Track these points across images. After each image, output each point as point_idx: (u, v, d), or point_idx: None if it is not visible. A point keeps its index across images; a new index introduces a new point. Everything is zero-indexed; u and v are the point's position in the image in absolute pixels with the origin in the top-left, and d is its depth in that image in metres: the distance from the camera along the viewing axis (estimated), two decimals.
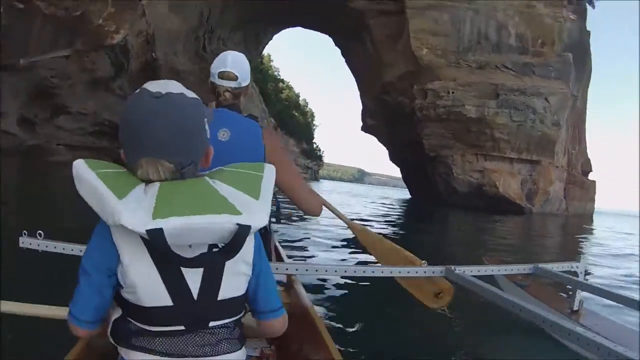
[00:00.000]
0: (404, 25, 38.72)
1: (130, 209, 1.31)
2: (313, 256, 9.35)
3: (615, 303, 3.73)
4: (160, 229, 1.28)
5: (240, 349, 1.55)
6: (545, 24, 40.51)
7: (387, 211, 29.86)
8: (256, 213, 1.39)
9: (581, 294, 4.29)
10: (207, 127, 1.53)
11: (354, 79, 53.42)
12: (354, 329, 4.87)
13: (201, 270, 1.43)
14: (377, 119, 48.62)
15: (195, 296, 1.43)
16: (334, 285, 6.61)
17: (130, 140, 1.42)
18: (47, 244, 2.91)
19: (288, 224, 12.48)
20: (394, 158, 54.48)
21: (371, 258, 4.07)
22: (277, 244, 4.67)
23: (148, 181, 1.42)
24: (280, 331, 1.70)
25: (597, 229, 35.55)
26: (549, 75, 40.21)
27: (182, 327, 1.43)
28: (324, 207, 3.35)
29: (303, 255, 9.33)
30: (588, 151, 55.80)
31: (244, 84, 2.80)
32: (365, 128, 52.08)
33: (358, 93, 52.85)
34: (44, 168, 26.00)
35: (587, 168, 54.72)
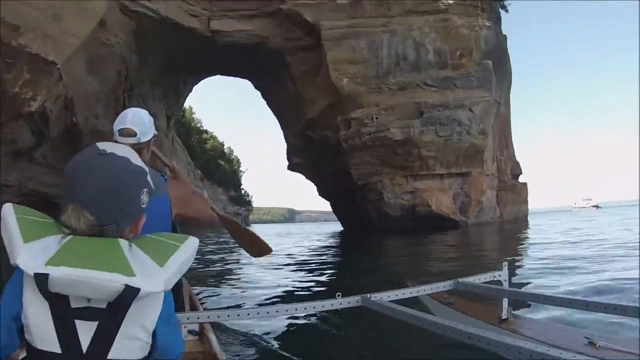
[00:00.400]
0: (322, 58, 38.99)
1: (29, 253, 1.39)
2: (238, 305, 9.12)
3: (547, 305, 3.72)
4: (46, 275, 1.35)
5: None
6: (461, 35, 41.30)
7: (320, 245, 29.86)
8: (153, 278, 1.43)
9: (507, 302, 4.21)
10: (144, 197, 1.58)
11: (276, 120, 53.64)
12: None
13: (95, 325, 1.45)
14: (302, 156, 48.58)
15: (84, 349, 1.44)
16: (256, 327, 6.49)
17: (65, 187, 1.49)
18: None
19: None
20: (322, 192, 54.50)
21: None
22: (192, 292, 4.67)
23: (71, 230, 1.48)
24: None
25: (531, 229, 36.53)
26: (470, 85, 40.92)
27: None
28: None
29: (224, 301, 9.40)
30: (516, 154, 57.19)
31: (144, 140, 2.91)
32: (292, 166, 51.85)
33: (282, 133, 52.99)
34: None
35: (516, 171, 56.07)
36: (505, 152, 53.16)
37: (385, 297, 3.54)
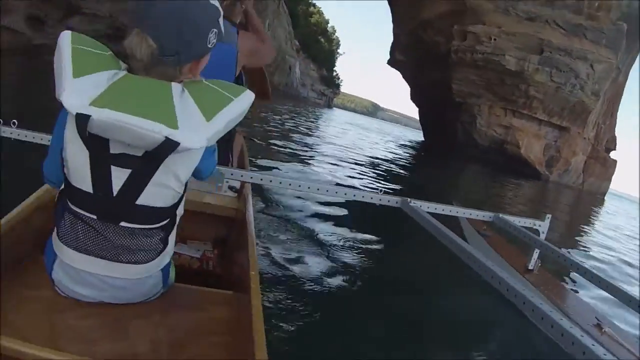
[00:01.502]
0: None
1: (76, 89, 1.37)
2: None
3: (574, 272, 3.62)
4: (88, 116, 1.34)
5: (156, 257, 1.65)
6: None
7: (404, 153, 28.94)
8: (195, 133, 1.41)
9: (538, 254, 4.14)
10: (212, 36, 1.53)
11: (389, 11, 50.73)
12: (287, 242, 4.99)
13: (128, 172, 1.47)
14: (407, 55, 46.07)
15: (114, 192, 1.48)
16: (294, 201, 6.71)
17: (131, 9, 1.45)
18: (19, 132, 2.98)
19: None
20: (415, 97, 51.97)
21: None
22: (244, 147, 4.70)
23: (130, 58, 1.46)
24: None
25: (607, 210, 34.54)
26: (599, 41, 37.82)
27: (95, 217, 1.52)
28: None
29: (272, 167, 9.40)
30: (616, 129, 53.66)
31: None
32: (393, 62, 49.61)
33: (391, 26, 49.96)
34: (46, 67, 23.86)
35: (610, 146, 52.62)
36: (608, 122, 49.73)
37: (424, 206, 3.51)
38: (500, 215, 3.91)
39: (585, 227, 17.59)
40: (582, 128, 40.79)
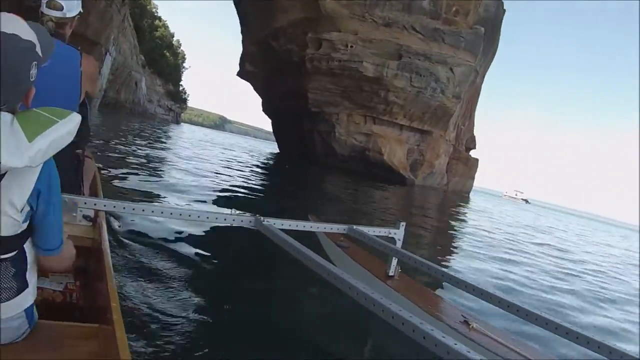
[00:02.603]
0: None
1: None
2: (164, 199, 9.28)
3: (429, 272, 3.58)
4: None
5: (9, 298, 1.64)
6: None
7: (258, 165, 27.45)
8: (16, 154, 1.43)
9: (396, 260, 4.20)
10: (33, 71, 1.56)
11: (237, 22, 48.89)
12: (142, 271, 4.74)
13: None
14: (257, 66, 44.54)
15: None
16: (150, 224, 6.57)
17: None
18: None
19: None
20: (267, 109, 50.75)
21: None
22: (97, 175, 4.58)
23: None
24: (59, 266, 1.93)
25: (472, 206, 34.45)
26: (458, 45, 38.24)
27: None
28: None
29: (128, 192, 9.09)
30: (475, 129, 55.02)
31: (69, 15, 3.01)
32: (243, 73, 47.76)
33: (239, 37, 48.31)
34: None
35: (471, 145, 53.89)
36: (467, 123, 50.82)
37: (278, 223, 3.60)
38: (355, 227, 4.07)
39: (451, 225, 17.93)
40: (444, 131, 41.08)
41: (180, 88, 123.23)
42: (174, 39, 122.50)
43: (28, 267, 1.70)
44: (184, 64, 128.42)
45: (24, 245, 1.68)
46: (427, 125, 39.59)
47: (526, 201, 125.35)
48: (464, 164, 50.01)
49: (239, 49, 48.97)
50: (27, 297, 1.70)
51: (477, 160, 53.87)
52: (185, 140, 38.19)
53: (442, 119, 39.88)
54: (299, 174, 27.88)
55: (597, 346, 2.55)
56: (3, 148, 1.40)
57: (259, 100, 51.12)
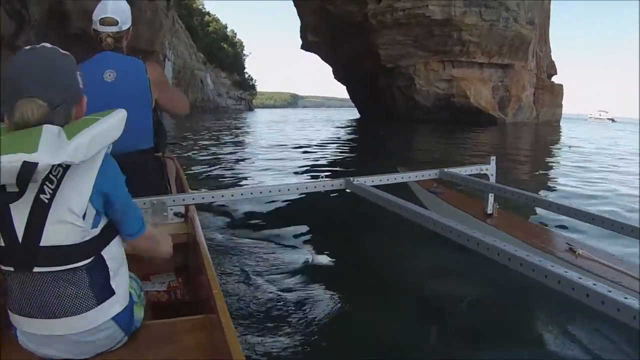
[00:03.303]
0: None
1: None
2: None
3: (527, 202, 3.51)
4: None
5: (95, 306, 1.63)
6: None
7: (337, 134, 26.80)
8: (54, 152, 1.43)
9: (493, 197, 4.17)
10: (79, 79, 1.65)
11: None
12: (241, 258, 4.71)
13: (27, 213, 1.50)
14: (319, 34, 42.98)
15: (20, 238, 1.51)
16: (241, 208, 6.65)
17: (8, 87, 1.52)
18: None
19: None
20: (338, 75, 49.29)
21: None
22: (181, 173, 4.58)
23: (24, 125, 1.49)
24: (144, 247, 1.89)
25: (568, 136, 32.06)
26: None
27: (12, 269, 1.56)
28: None
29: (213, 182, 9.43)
30: (552, 53, 52.15)
31: (124, 28, 3.10)
32: (306, 45, 46.48)
33: (293, 10, 46.77)
34: None
35: (551, 72, 51.13)
36: (544, 49, 48.09)
37: (368, 181, 3.55)
38: (445, 169, 3.97)
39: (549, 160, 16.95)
40: (525, 61, 39.15)
41: (246, 76, 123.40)
42: (228, 29, 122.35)
43: (111, 274, 1.68)
44: (244, 52, 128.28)
45: (102, 252, 1.65)
46: (507, 59, 37.65)
47: (612, 120, 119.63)
48: (550, 92, 47.48)
49: (296, 22, 47.82)
50: (114, 306, 1.68)
51: (561, 86, 50.99)
52: (261, 125, 37.64)
53: (521, 48, 37.86)
54: (386, 134, 26.72)
55: None
56: (40, 149, 1.39)
57: (327, 70, 49.97)
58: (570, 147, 20.90)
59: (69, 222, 1.52)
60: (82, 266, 1.59)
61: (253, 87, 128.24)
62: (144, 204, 2.84)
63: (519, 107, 39.83)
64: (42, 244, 1.51)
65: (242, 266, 4.45)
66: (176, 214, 3.20)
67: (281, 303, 3.69)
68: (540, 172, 12.85)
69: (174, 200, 3.08)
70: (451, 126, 31.40)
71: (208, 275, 2.15)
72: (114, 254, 1.69)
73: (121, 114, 1.66)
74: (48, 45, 1.60)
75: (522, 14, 36.11)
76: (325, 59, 48.09)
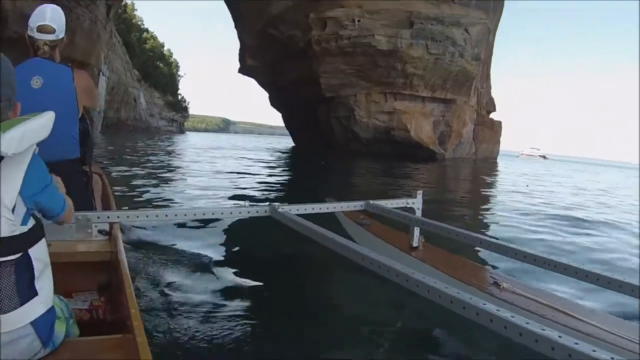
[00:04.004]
0: None
1: None
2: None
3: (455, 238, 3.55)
4: None
5: (17, 306, 1.59)
6: None
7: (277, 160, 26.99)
8: None
9: (419, 230, 4.15)
10: (15, 85, 1.72)
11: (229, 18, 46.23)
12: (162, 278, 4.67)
13: None
14: (259, 59, 41.86)
15: None
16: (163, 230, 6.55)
17: None
18: None
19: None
20: (275, 102, 48.26)
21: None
22: (108, 190, 4.68)
23: None
24: (69, 218, 2.09)
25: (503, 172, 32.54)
26: (468, 3, 35.99)
27: None
28: None
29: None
30: (492, 90, 52.49)
31: (60, 36, 3.15)
32: (244, 69, 45.21)
33: (233, 33, 45.84)
34: None
35: (490, 108, 51.37)
36: (485, 85, 48.22)
37: (294, 209, 3.61)
38: (371, 201, 4.12)
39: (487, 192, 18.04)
40: (467, 96, 39.01)
41: (179, 97, 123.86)
42: (165, 48, 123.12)
43: (36, 274, 1.66)
44: (179, 72, 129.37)
45: (29, 250, 1.65)
46: (450, 94, 37.37)
47: (544, 157, 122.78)
48: (490, 129, 47.65)
49: (232, 45, 46.49)
50: (37, 307, 1.65)
51: (500, 123, 51.28)
52: (193, 149, 36.77)
53: (465, 84, 37.69)
54: (323, 165, 26.09)
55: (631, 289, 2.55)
56: None
57: (259, 96, 48.99)
58: (527, 185, 20.95)
59: (1, 214, 1.53)
60: (9, 261, 1.57)
61: (186, 109, 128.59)
62: None
63: (459, 142, 39.56)
64: None
65: (161, 286, 4.39)
66: (100, 232, 3.09)
67: (199, 324, 3.60)
68: (480, 209, 12.80)
69: (98, 217, 3.06)
70: (390, 160, 30.56)
71: (127, 294, 2.12)
72: (40, 255, 1.68)
73: (49, 115, 1.70)
74: None
75: (469, 49, 35.90)
76: (262, 84, 46.94)
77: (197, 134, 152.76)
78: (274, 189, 13.66)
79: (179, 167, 18.74)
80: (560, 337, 1.53)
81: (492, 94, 52.16)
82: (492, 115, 51.96)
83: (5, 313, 1.55)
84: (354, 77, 35.49)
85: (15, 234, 1.58)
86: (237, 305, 4.07)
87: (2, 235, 1.55)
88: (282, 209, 3.50)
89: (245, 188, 12.96)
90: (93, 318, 2.61)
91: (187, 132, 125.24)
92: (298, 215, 3.41)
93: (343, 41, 33.75)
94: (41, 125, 1.64)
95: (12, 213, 1.57)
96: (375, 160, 30.71)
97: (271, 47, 38.33)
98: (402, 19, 33.92)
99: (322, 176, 19.99)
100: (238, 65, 46.06)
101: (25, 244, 1.62)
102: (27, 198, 1.62)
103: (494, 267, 4.93)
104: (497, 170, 32.26)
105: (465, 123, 39.54)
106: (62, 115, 2.77)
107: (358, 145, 37.07)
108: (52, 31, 3.03)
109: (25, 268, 1.61)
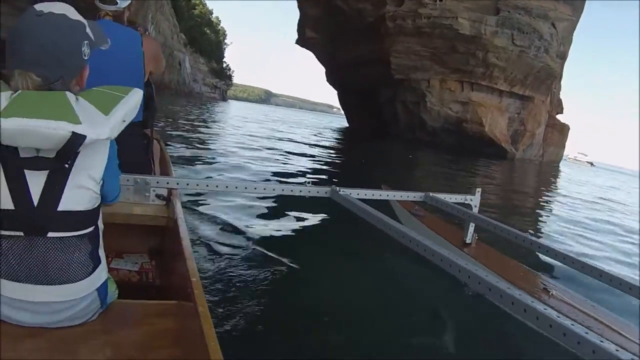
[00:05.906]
0: None
1: None
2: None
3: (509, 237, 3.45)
4: None
5: (89, 275, 1.62)
6: None
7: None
8: (98, 126, 1.46)
9: (473, 227, 4.15)
10: (85, 49, 1.59)
11: None
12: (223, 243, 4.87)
13: (44, 177, 1.48)
14: (320, 31, 39.65)
15: (35, 202, 1.48)
16: (222, 201, 6.61)
17: (9, 53, 1.49)
18: None
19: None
20: (331, 78, 45.99)
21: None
22: (167, 156, 4.64)
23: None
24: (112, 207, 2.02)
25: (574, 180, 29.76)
26: None
27: (21, 233, 1.49)
28: None
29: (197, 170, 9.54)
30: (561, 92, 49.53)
31: (123, 6, 3.00)
32: (302, 41, 43.09)
33: (283, 5, 43.62)
34: None
35: (558, 109, 48.39)
36: (557, 85, 45.22)
37: (354, 193, 3.58)
38: (431, 194, 3.99)
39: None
40: (545, 96, 36.50)
41: (224, 65, 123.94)
42: (213, 15, 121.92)
43: (100, 242, 1.70)
44: (225, 41, 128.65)
45: (97, 221, 1.67)
46: (528, 90, 34.93)
47: (591, 164, 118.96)
48: (559, 132, 44.77)
49: (282, 20, 44.28)
50: (101, 274, 1.69)
51: (568, 126, 48.28)
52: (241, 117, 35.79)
53: (545, 82, 35.20)
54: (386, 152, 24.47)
55: None
56: (84, 122, 1.42)
57: (306, 71, 46.86)
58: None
59: (88, 187, 1.56)
60: (87, 233, 1.60)
61: (230, 77, 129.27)
62: (127, 180, 2.74)
63: (530, 143, 37.17)
64: (60, 208, 1.50)
65: (218, 258, 4.42)
66: (158, 196, 2.96)
67: (257, 299, 3.64)
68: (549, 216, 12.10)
69: (157, 182, 3.01)
70: (457, 154, 28.35)
71: (187, 262, 2.06)
72: (100, 223, 1.71)
73: (139, 94, 1.67)
74: (58, 9, 1.53)
75: (555, 45, 33.36)
76: (320, 58, 44.70)
77: (240, 103, 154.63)
78: (328, 171, 13.39)
79: (231, 135, 18.93)
80: (617, 350, 1.46)
81: (560, 95, 49.24)
82: (559, 117, 49.25)
83: (78, 281, 1.57)
84: (427, 61, 33.06)
85: (95, 206, 1.61)
86: (297, 282, 4.17)
87: (86, 209, 1.56)
88: (343, 191, 3.46)
89: (300, 167, 12.97)
90: (142, 280, 2.60)
91: (229, 100, 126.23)
92: (358, 199, 3.33)
93: (422, 20, 31.33)
94: (136, 107, 1.63)
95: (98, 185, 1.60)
96: (441, 151, 28.81)
97: (335, 20, 35.97)
98: (487, 4, 31.38)
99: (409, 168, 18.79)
100: (285, 38, 44.28)
101: (97, 216, 1.65)
102: (104, 175, 1.62)
103: (553, 277, 4.89)
104: (559, 177, 29.76)
105: (540, 123, 37.28)
106: (129, 79, 2.79)
107: (423, 134, 34.79)
108: (115, 2, 2.94)
109: (95, 238, 1.64)
